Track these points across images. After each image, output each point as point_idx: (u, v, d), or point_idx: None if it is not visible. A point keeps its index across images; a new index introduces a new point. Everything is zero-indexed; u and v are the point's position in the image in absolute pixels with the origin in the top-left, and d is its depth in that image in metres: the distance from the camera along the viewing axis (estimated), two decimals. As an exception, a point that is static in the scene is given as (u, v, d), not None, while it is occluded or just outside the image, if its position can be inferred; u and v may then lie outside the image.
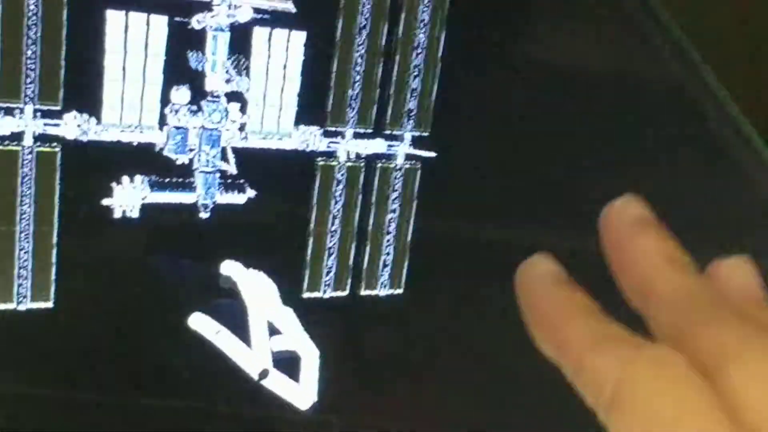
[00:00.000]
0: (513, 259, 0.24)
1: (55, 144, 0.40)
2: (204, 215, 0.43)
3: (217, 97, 0.42)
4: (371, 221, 0.50)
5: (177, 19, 0.41)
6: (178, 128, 0.41)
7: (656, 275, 0.21)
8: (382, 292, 0.51)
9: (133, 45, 0.40)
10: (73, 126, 0.39)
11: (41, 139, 0.39)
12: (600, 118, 0.51)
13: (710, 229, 0.39)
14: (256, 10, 0.43)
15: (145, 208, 0.41)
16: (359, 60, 0.47)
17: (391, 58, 0.48)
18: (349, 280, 0.50)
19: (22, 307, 0.40)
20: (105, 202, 0.40)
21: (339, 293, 0.50)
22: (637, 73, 0.46)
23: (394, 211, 0.51)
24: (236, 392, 0.45)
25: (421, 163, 0.51)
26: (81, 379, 0.42)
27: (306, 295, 0.49)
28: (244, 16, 0.41)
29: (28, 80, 0.38)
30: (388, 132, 0.49)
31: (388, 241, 0.51)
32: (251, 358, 0.44)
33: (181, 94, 0.41)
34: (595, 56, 0.48)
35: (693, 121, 0.39)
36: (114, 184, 0.40)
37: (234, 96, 0.43)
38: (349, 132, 0.48)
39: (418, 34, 0.48)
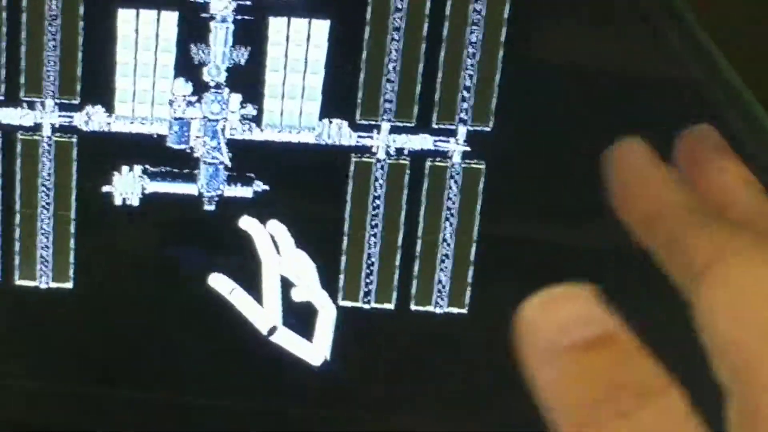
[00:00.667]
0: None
1: (71, 135, 0.43)
2: (209, 207, 0.43)
3: (219, 87, 0.42)
4: (420, 228, 0.45)
5: (185, 14, 0.42)
6: (177, 119, 0.42)
7: (737, 192, 0.22)
8: (438, 309, 0.45)
9: (143, 41, 0.42)
10: (88, 118, 0.42)
11: (59, 130, 0.43)
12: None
13: None
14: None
15: (148, 198, 0.42)
16: (395, 44, 0.43)
17: (437, 38, 0.43)
18: (395, 293, 0.45)
19: (43, 286, 0.44)
20: (105, 189, 0.42)
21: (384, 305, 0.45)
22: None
23: (450, 217, 0.45)
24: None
25: (486, 162, 0.44)
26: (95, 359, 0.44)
27: (342, 303, 0.45)
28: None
29: (49, 77, 0.42)
30: (436, 126, 0.44)
31: (444, 253, 0.45)
32: (262, 315, 0.42)
33: (181, 86, 0.42)
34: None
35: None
36: (115, 173, 0.42)
37: (240, 87, 0.42)
38: (385, 126, 0.44)
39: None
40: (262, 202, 0.43)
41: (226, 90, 0.42)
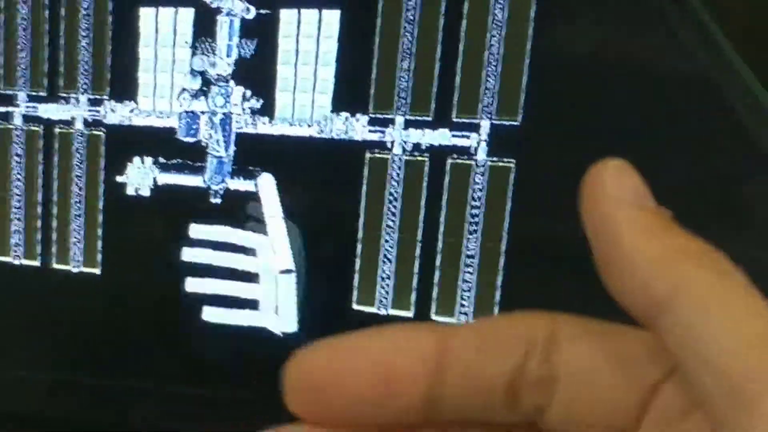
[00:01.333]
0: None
1: (101, 128, 0.43)
2: (215, 200, 0.42)
3: (225, 81, 0.41)
4: (441, 230, 0.42)
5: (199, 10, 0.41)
6: (187, 112, 0.41)
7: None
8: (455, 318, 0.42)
9: (162, 38, 0.42)
10: (114, 112, 0.43)
11: (89, 124, 0.44)
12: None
13: (739, 221, 0.31)
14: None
15: (159, 189, 0.42)
16: (409, 35, 0.40)
17: (456, 27, 0.39)
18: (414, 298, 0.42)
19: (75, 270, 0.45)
20: (118, 179, 0.42)
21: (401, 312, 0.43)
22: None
23: (475, 219, 0.41)
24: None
25: (517, 160, 0.40)
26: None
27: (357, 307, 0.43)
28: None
29: (85, 74, 0.43)
30: (457, 120, 0.40)
31: (469, 257, 0.41)
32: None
33: (189, 80, 0.41)
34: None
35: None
36: (128, 164, 0.42)
37: (248, 80, 0.41)
38: (399, 120, 0.41)
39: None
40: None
41: (232, 83, 0.41)
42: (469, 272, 0.41)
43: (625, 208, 0.19)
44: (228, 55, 0.40)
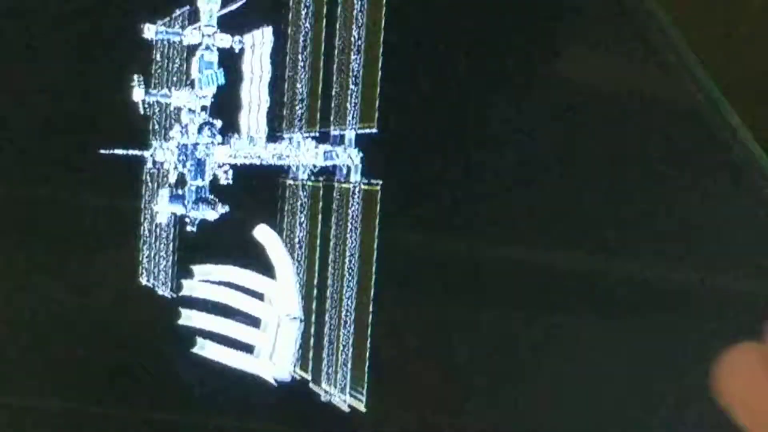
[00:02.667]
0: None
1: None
2: (191, 228, 0.44)
3: (193, 112, 0.44)
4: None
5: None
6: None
7: None
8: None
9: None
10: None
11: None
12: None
13: (727, 251, 0.30)
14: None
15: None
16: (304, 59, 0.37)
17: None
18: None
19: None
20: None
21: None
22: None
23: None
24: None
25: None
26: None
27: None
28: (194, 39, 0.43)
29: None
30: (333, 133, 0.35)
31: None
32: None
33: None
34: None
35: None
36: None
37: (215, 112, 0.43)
38: (296, 136, 0.38)
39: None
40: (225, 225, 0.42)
41: (198, 114, 0.43)
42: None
43: None
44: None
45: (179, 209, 0.44)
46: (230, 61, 0.41)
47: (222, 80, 0.42)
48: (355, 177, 0.34)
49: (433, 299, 0.34)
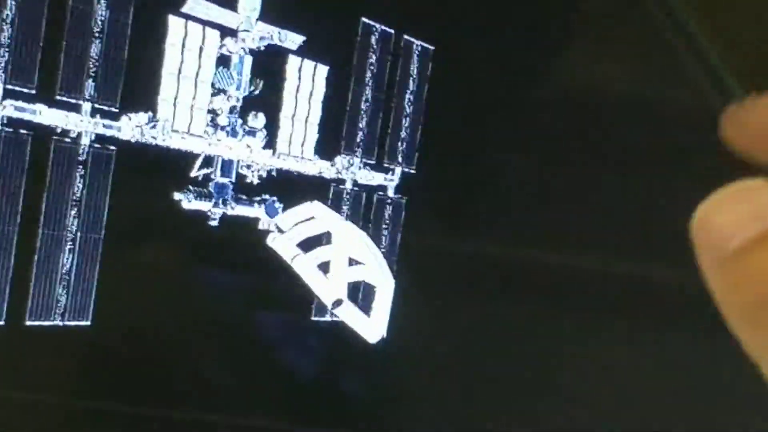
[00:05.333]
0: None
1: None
2: (212, 223, 0.44)
3: (232, 113, 0.45)
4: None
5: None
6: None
7: None
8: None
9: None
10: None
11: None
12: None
13: None
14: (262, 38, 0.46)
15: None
16: (368, 98, 0.51)
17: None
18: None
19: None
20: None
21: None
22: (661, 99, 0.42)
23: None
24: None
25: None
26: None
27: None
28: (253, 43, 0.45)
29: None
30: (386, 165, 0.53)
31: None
32: (327, 286, 0.45)
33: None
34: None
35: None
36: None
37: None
38: (356, 161, 0.51)
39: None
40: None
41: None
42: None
43: None
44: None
45: (205, 206, 0.44)
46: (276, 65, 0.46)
47: (235, 80, 0.46)
48: (390, 193, 0.54)
49: (447, 289, 0.53)
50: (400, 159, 0.54)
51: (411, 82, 0.53)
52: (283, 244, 0.45)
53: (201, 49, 0.42)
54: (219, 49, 0.43)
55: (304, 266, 0.45)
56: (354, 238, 0.49)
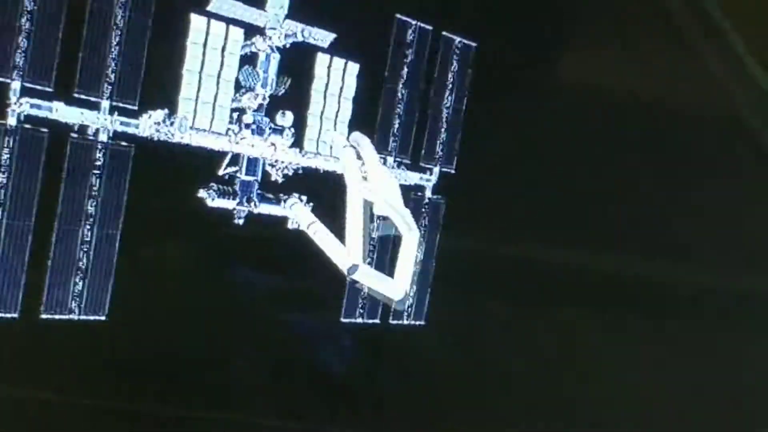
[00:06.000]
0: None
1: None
2: (238, 221, 0.44)
3: (259, 111, 0.44)
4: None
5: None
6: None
7: None
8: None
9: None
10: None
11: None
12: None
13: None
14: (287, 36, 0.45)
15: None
16: (403, 96, 0.50)
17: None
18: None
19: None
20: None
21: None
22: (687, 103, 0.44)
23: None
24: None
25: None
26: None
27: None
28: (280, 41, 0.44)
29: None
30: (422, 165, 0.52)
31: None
32: (342, 252, 0.44)
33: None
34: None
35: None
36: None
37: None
38: (389, 159, 0.50)
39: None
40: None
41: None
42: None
43: None
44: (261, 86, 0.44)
45: (229, 204, 0.44)
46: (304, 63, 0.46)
47: (261, 78, 0.45)
48: (428, 193, 0.53)
49: (477, 288, 0.53)
50: (438, 159, 0.52)
51: (450, 79, 0.52)
52: (301, 210, 0.44)
53: (224, 47, 0.42)
54: (245, 47, 0.43)
55: (320, 233, 0.44)
56: (389, 183, 0.47)
